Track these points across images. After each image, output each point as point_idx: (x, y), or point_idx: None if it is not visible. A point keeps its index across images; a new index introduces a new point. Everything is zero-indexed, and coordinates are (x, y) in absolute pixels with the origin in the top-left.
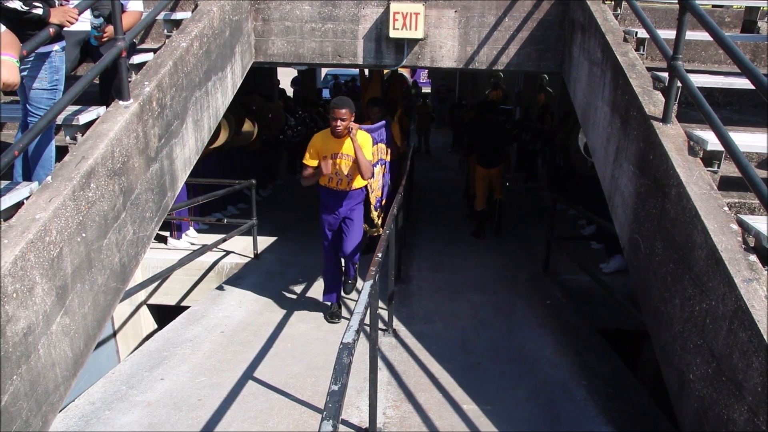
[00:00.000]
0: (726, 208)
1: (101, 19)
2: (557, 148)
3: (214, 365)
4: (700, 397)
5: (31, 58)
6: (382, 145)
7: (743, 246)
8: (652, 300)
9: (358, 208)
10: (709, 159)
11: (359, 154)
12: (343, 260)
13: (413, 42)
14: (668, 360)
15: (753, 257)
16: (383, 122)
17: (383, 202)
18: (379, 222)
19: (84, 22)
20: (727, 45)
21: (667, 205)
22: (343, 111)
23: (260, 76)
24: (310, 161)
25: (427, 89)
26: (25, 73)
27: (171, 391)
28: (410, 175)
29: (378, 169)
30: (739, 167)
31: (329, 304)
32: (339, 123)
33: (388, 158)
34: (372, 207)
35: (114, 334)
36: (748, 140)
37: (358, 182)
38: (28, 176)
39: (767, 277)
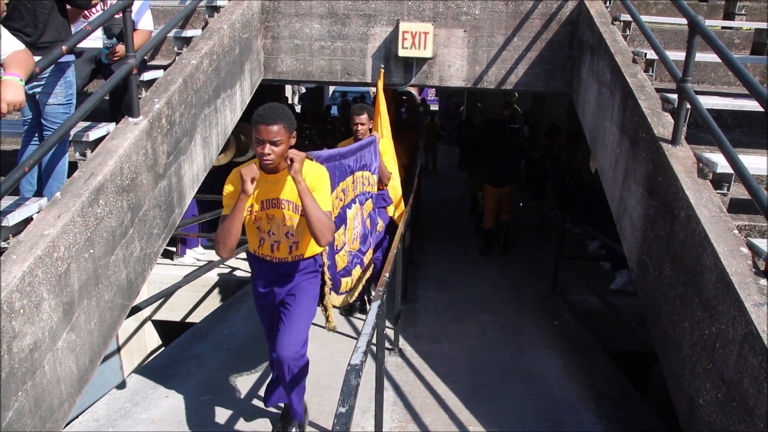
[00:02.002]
0: (736, 231)
1: (114, 40)
2: (563, 167)
3: (220, 383)
4: (710, 423)
5: (46, 74)
6: (366, 173)
7: (753, 269)
8: (660, 322)
9: (305, 284)
10: (719, 181)
11: (307, 201)
12: (278, 371)
13: (422, 61)
14: (678, 384)
15: (763, 281)
16: (370, 139)
17: (367, 257)
18: (336, 299)
19: (96, 40)
20: (736, 67)
21: (676, 228)
22: (275, 128)
23: (268, 93)
24: (227, 210)
25: (435, 107)
26: (39, 90)
27: (175, 408)
28: (417, 194)
29: (353, 211)
30: (749, 190)
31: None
32: (267, 149)
33: (374, 190)
34: (327, 279)
35: (118, 350)
36: (758, 162)
37: (310, 247)
38: (41, 189)
39: None
